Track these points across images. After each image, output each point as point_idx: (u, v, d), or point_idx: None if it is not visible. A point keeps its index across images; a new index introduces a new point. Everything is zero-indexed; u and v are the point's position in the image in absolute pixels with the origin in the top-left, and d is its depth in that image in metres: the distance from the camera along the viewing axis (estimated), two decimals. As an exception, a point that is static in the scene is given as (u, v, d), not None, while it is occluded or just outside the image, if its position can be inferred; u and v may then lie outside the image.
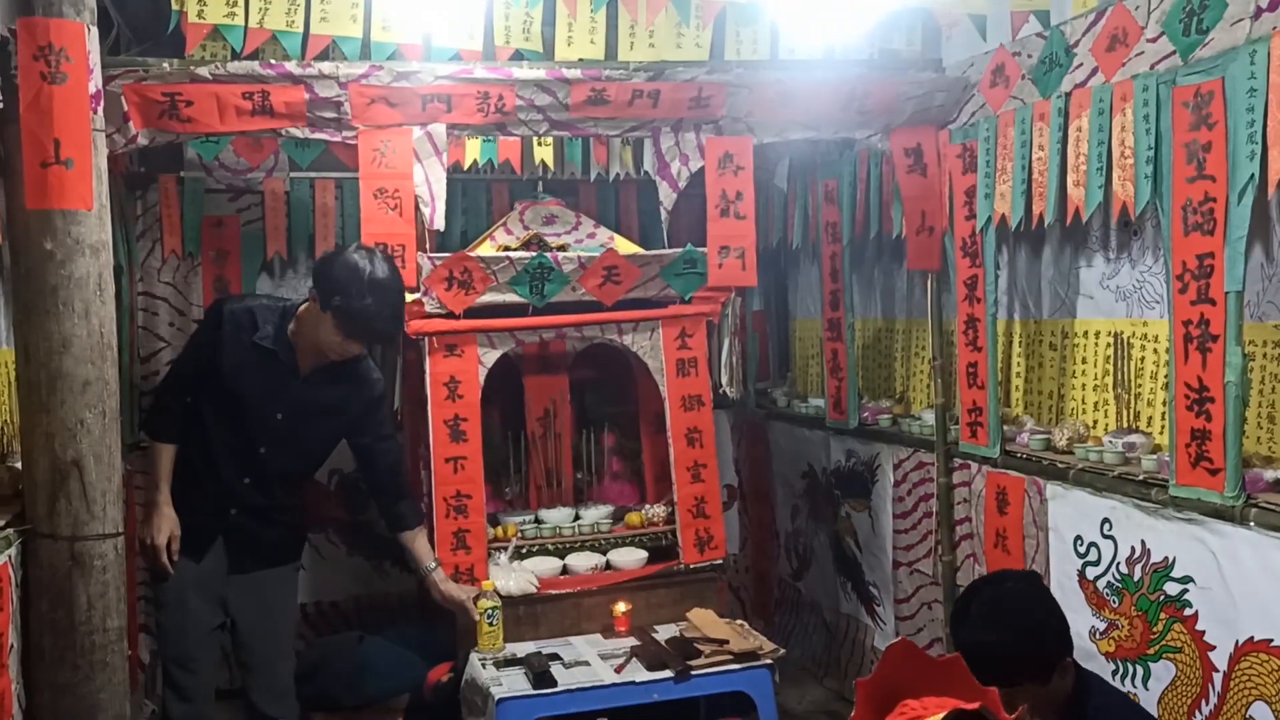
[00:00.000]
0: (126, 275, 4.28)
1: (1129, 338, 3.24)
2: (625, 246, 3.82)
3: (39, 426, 2.91)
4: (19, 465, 3.04)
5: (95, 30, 2.92)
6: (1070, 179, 3.15)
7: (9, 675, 2.69)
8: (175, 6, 3.34)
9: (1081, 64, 3.15)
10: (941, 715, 2.18)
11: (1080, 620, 3.10)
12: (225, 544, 3.39)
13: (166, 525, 3.33)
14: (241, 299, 3.60)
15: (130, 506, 3.77)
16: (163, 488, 3.37)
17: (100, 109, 2.97)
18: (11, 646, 2.74)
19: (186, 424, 3.39)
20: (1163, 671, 2.90)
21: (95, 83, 2.93)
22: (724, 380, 3.89)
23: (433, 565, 3.49)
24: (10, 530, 2.82)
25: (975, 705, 2.14)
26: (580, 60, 3.64)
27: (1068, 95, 3.18)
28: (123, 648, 3.07)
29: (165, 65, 3.20)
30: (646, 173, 4.21)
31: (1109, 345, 3.32)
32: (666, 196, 3.64)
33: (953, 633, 2.44)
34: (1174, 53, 2.81)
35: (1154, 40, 2.88)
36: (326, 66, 3.28)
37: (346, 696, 2.69)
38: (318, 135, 3.38)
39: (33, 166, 2.82)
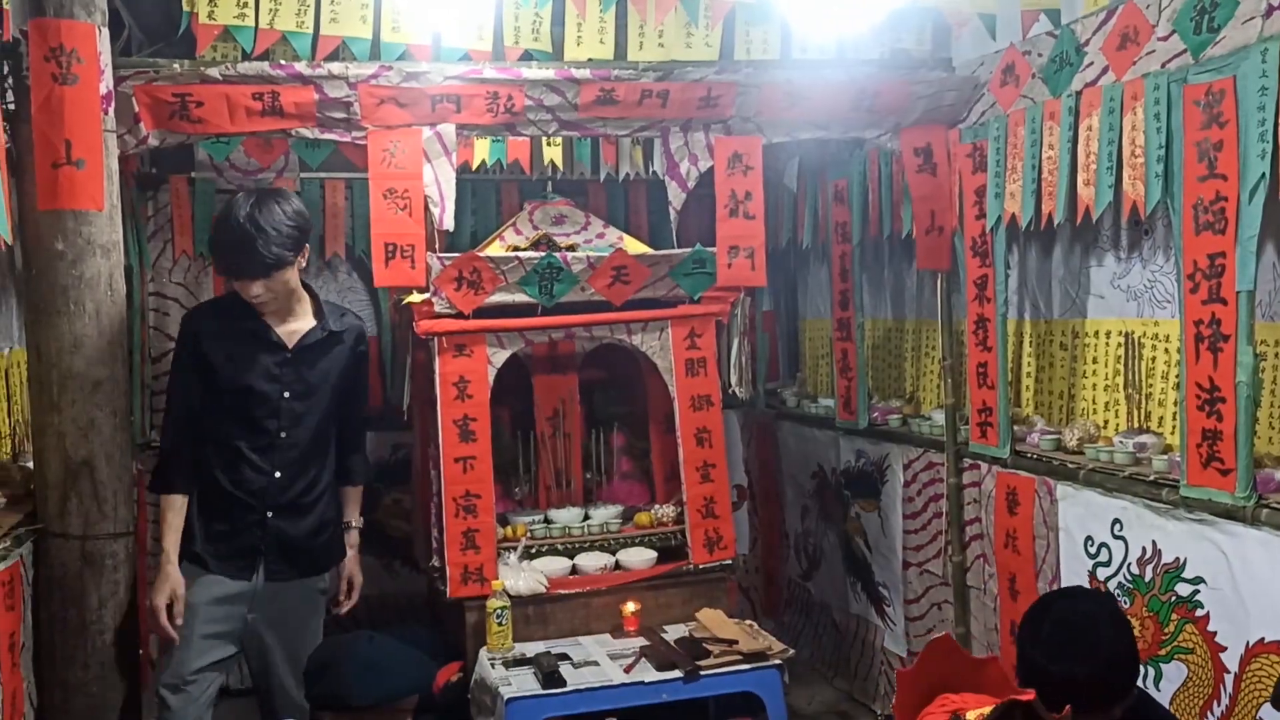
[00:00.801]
0: (137, 276, 4.30)
1: (1140, 337, 3.23)
2: (634, 246, 3.82)
3: (50, 426, 2.93)
4: (30, 464, 3.05)
5: (106, 31, 2.94)
6: (1080, 178, 3.14)
7: (20, 674, 2.70)
8: (186, 8, 3.37)
9: (1092, 63, 3.14)
10: (993, 707, 2.18)
11: (1091, 621, 3.09)
12: (265, 555, 3.21)
13: (168, 586, 3.08)
14: (201, 303, 3.62)
15: (141, 506, 3.78)
16: (169, 546, 3.12)
17: (111, 110, 2.99)
18: (23, 645, 2.75)
19: (201, 458, 3.21)
20: (1174, 672, 2.89)
21: (106, 84, 2.94)
22: (733, 380, 3.88)
23: (353, 524, 3.48)
24: (22, 529, 2.83)
25: (1030, 697, 2.13)
26: (589, 60, 3.65)
27: (1078, 94, 3.17)
28: (133, 646, 3.08)
29: (176, 66, 3.21)
30: (655, 173, 4.20)
31: (1120, 345, 3.31)
32: (675, 196, 3.64)
33: (1022, 652, 2.31)
34: (1185, 51, 2.79)
35: (1165, 39, 2.87)
36: (336, 67, 3.29)
37: (355, 696, 2.68)
38: (327, 136, 3.39)
39: (44, 167, 2.83)
